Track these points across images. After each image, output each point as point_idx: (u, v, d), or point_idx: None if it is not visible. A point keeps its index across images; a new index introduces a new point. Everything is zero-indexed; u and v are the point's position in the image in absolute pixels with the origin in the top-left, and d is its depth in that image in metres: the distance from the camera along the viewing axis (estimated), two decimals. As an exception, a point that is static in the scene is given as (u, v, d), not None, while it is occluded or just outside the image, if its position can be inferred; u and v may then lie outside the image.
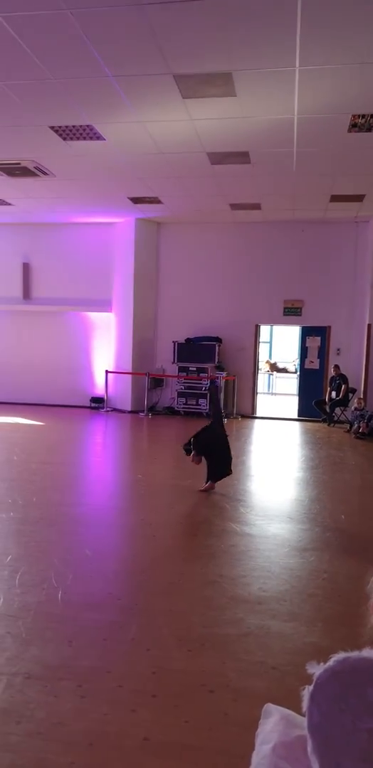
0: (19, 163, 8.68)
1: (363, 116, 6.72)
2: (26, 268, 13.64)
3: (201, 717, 2.54)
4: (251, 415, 13.13)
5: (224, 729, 2.47)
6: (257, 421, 12.72)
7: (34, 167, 8.84)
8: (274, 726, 1.41)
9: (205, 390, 12.49)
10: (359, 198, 10.26)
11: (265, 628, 3.37)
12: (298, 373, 14.73)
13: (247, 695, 2.70)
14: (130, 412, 12.98)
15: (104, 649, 3.11)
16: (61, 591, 3.78)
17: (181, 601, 3.72)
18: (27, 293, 13.67)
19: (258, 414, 13.33)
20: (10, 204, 11.39)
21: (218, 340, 12.72)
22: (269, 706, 1.51)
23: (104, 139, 7.63)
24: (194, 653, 3.07)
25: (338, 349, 12.79)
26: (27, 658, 2.99)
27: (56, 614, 3.49)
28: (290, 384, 18.92)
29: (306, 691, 1.07)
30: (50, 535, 4.93)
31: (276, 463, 8.41)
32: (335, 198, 10.29)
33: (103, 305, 13.43)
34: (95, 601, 3.69)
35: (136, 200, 10.93)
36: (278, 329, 19.54)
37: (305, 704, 1.07)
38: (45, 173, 9.14)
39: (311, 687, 1.07)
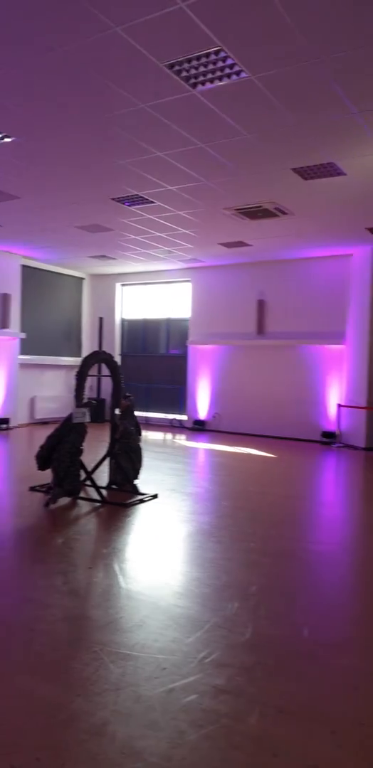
0: (260, 206, 9.16)
1: None
2: (261, 305, 14.21)
3: None
4: None
5: None
6: None
7: (274, 208, 9.22)
8: None
9: None
10: None
11: None
12: None
13: None
14: (364, 449, 12.44)
15: (355, 697, 3.00)
16: (306, 629, 3.77)
17: None
18: (261, 328, 14.21)
19: None
20: (249, 245, 12.05)
21: None
22: None
23: (345, 174, 7.60)
24: None
25: None
26: (277, 691, 3.04)
27: (302, 651, 3.48)
28: None
29: None
30: (290, 570, 4.96)
31: None
32: None
33: (336, 337, 13.22)
34: (342, 644, 3.59)
35: (374, 230, 10.60)
36: None
37: None
38: (284, 213, 9.46)
39: None
